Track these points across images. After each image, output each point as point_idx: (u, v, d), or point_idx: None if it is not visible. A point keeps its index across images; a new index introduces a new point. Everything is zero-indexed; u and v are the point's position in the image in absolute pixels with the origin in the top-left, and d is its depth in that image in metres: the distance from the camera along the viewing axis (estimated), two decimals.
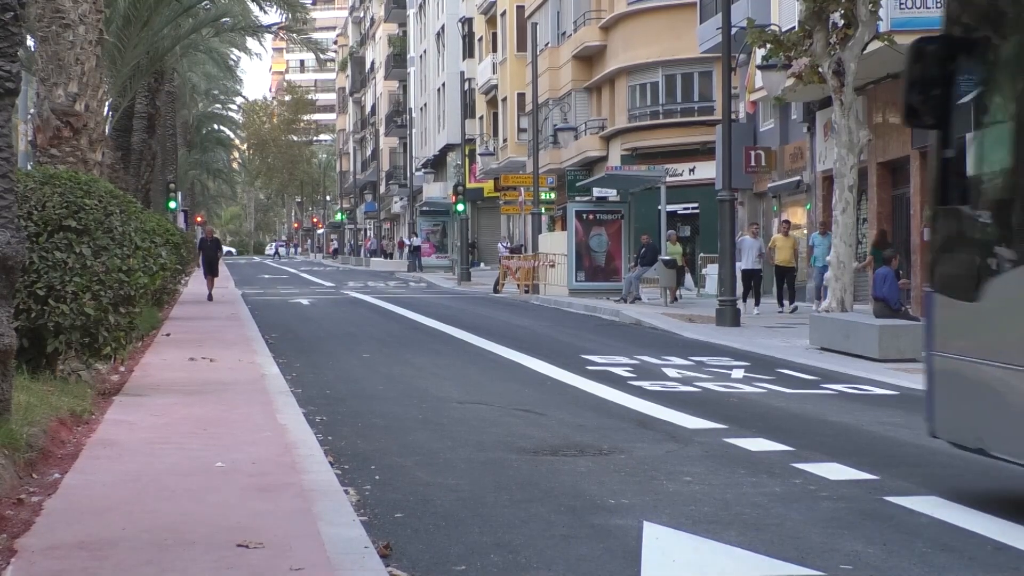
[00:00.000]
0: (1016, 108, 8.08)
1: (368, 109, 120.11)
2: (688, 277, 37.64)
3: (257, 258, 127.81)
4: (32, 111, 23.72)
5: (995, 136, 8.48)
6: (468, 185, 63.57)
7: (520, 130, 64.38)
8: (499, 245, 62.97)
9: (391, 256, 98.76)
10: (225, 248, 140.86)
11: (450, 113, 78.93)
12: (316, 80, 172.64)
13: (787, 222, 33.88)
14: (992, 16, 8.51)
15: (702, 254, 43.51)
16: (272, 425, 11.50)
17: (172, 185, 56.99)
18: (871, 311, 23.25)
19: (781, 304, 31.34)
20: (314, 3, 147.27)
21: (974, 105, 8.64)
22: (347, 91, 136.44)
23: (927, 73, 8.82)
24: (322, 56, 62.87)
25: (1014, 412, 7.91)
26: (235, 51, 66.69)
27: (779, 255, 31.13)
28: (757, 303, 30.89)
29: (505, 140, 67.96)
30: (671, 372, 17.80)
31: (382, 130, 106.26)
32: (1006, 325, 8.04)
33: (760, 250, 31.48)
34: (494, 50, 71.45)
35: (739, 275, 30.06)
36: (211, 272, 38.51)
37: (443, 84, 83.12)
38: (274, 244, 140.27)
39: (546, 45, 58.65)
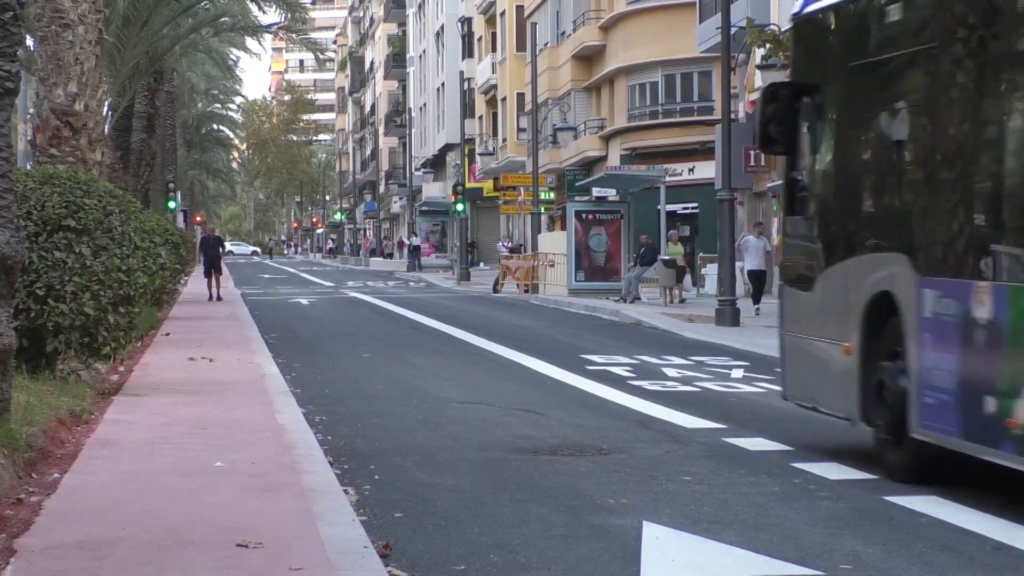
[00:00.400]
0: (834, 140, 10.70)
1: (367, 109, 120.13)
2: (687, 278, 37.55)
3: (256, 258, 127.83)
4: (31, 111, 23.73)
5: (820, 161, 10.89)
6: (468, 185, 63.56)
7: (519, 130, 64.38)
8: (499, 245, 62.97)
9: (391, 256, 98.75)
10: (250, 248, 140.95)
11: (449, 113, 78.91)
12: (315, 80, 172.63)
13: (760, 223, 33.88)
14: (823, 69, 11.02)
15: (701, 254, 43.51)
16: (272, 425, 11.50)
17: (171, 185, 56.99)
18: None
19: None
20: (313, 3, 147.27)
21: (808, 136, 10.99)
22: (346, 91, 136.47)
23: (778, 111, 11.07)
24: (321, 56, 62.93)
25: (832, 378, 10.52)
26: (234, 51, 66.78)
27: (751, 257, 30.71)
28: (756, 302, 30.73)
29: (504, 140, 67.97)
30: (671, 372, 17.79)
31: (381, 130, 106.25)
32: (826, 310, 10.70)
33: (766, 249, 31.18)
34: (493, 50, 71.47)
35: (739, 275, 30.05)
36: (213, 271, 37.97)
37: (442, 84, 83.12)
38: (271, 243, 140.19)
39: (545, 45, 58.64)
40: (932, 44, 9.29)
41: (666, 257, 36.03)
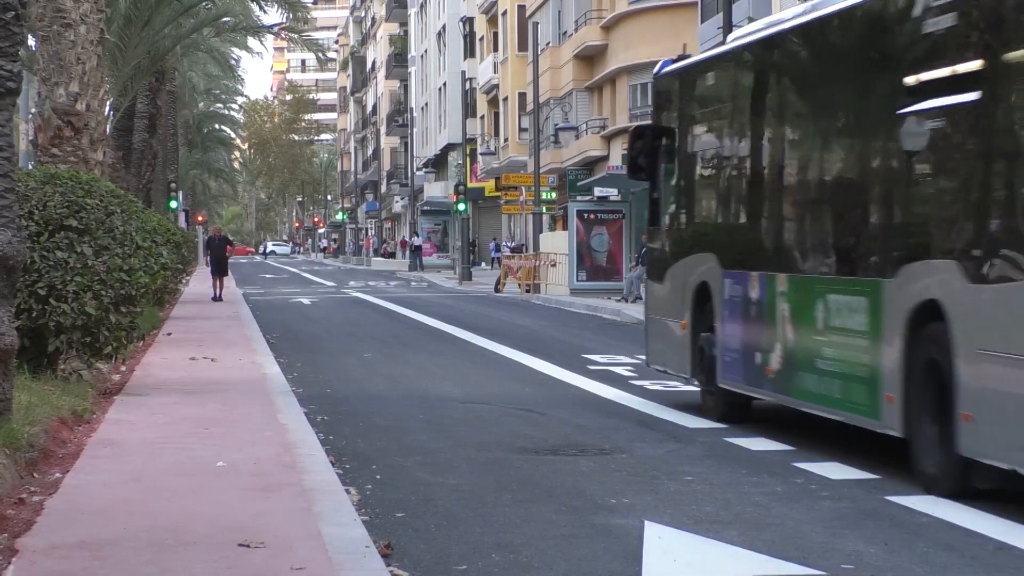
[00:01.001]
0: (676, 171, 14.23)
1: (369, 108, 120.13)
2: None
3: (259, 258, 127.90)
4: (33, 110, 23.73)
5: (668, 187, 14.48)
6: (469, 184, 63.56)
7: (521, 129, 64.38)
8: (502, 245, 62.95)
9: (392, 255, 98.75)
10: (271, 246, 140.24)
11: (451, 112, 78.91)
12: (317, 80, 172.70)
13: None
14: (670, 117, 14.50)
15: None
16: (273, 425, 11.50)
17: (173, 185, 56.99)
18: None
19: None
20: (315, 3, 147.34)
21: (663, 168, 14.44)
22: (348, 90, 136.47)
23: (643, 147, 14.52)
24: (323, 56, 62.86)
25: (675, 347, 14.06)
26: (236, 51, 66.69)
27: None
28: None
29: (506, 139, 67.97)
30: None
31: (383, 129, 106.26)
32: (671, 296, 14.26)
33: None
34: (495, 49, 71.45)
35: None
36: (219, 272, 37.35)
37: (444, 83, 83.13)
38: (266, 243, 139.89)
39: (547, 45, 58.63)
40: (729, 105, 13.27)
41: None
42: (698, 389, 13.63)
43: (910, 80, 10.01)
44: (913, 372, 9.62)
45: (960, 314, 9.05)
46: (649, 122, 15.21)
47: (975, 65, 9.12)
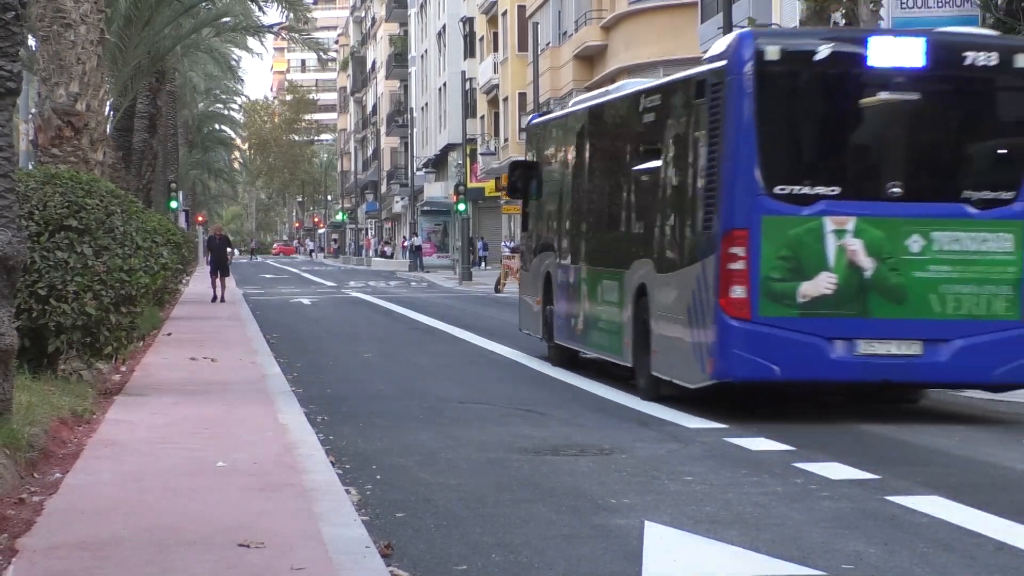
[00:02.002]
0: (538, 194, 19.47)
1: (369, 109, 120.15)
2: None
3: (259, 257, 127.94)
4: (33, 111, 23.73)
5: (533, 205, 19.85)
6: (469, 185, 63.59)
7: (521, 130, 64.32)
8: (503, 245, 62.91)
9: (392, 256, 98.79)
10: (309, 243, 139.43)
11: (451, 113, 78.91)
12: (317, 80, 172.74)
13: None
14: (542, 156, 19.72)
15: None
16: (273, 425, 11.50)
17: (173, 185, 57.00)
18: None
19: None
20: (315, 3, 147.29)
21: (532, 190, 19.65)
22: (348, 91, 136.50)
23: (519, 175, 19.89)
24: (323, 56, 62.91)
25: (534, 317, 19.68)
26: (236, 51, 66.75)
27: None
28: None
29: (506, 140, 67.96)
30: None
31: (383, 130, 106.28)
32: (532, 281, 19.80)
33: None
34: (495, 50, 71.46)
35: None
36: (220, 272, 36.83)
37: (444, 84, 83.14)
38: (252, 242, 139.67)
39: (547, 45, 58.64)
40: (562, 152, 18.80)
41: None
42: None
43: (637, 148, 15.83)
44: (636, 326, 14.99)
45: (653, 291, 14.57)
46: (523, 157, 20.88)
47: (660, 144, 14.77)
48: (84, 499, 8.10)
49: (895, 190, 13.06)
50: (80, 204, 13.58)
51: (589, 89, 57.19)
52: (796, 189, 12.96)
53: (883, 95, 13.35)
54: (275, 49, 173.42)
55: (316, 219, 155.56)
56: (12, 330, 9.64)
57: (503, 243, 64.57)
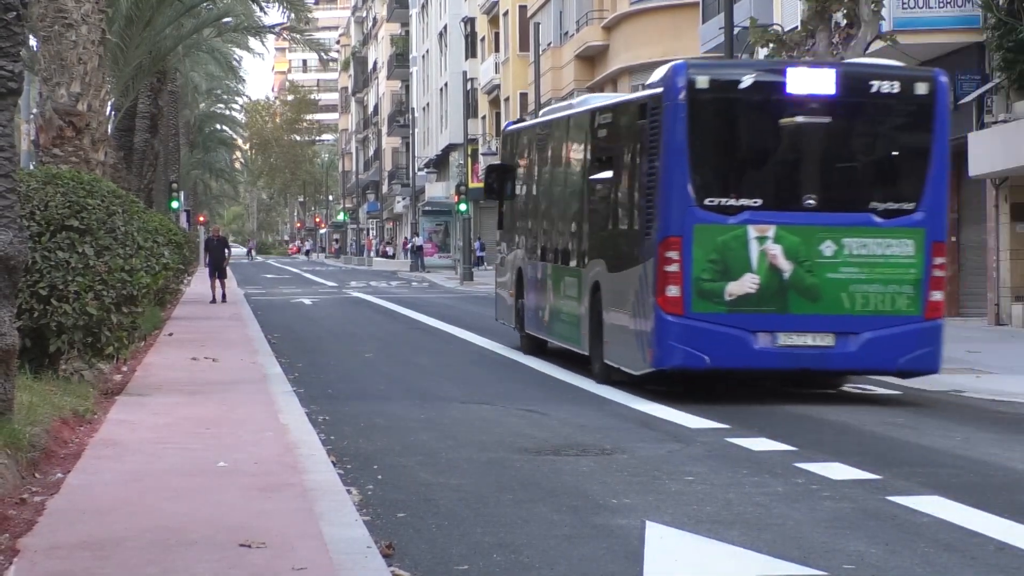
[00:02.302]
0: (512, 195, 21.16)
1: (371, 109, 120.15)
2: None
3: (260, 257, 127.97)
4: (35, 111, 23.74)
5: (508, 204, 21.51)
6: (471, 185, 63.54)
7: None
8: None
9: (394, 256, 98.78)
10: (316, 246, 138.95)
11: (452, 113, 78.90)
12: (319, 80, 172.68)
13: None
14: (514, 161, 21.46)
15: None
16: (274, 425, 11.51)
17: (175, 185, 56.97)
18: None
19: None
20: (316, 3, 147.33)
21: (507, 191, 21.35)
22: (349, 91, 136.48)
23: (495, 177, 21.73)
24: (324, 56, 62.90)
25: (508, 308, 21.48)
26: (237, 51, 66.70)
27: None
28: None
29: None
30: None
31: (384, 130, 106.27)
32: (505, 276, 21.59)
33: None
34: (496, 50, 71.47)
35: None
36: (218, 274, 36.42)
37: (445, 84, 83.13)
38: (251, 243, 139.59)
39: (548, 45, 58.63)
40: (531, 158, 20.52)
41: None
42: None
43: (592, 159, 17.59)
44: (591, 319, 16.78)
45: (605, 288, 16.47)
46: (499, 161, 23.16)
47: (611, 157, 16.82)
48: (85, 499, 8.10)
49: (810, 201, 14.80)
50: (81, 204, 13.58)
51: (591, 89, 57.22)
52: (723, 201, 14.70)
53: (799, 119, 15.08)
54: (276, 49, 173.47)
55: (317, 219, 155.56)
56: (13, 330, 9.65)
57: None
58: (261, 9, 38.64)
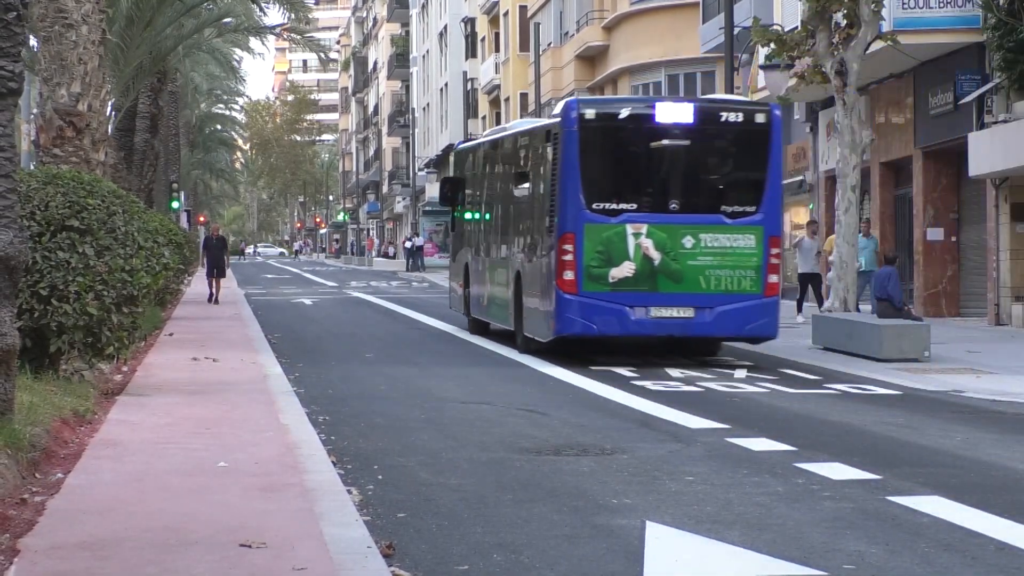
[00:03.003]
0: (462, 203, 25.27)
1: (371, 109, 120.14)
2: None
3: (260, 258, 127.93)
4: (35, 111, 23.74)
5: (460, 211, 25.48)
6: None
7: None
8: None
9: (395, 256, 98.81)
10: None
11: (453, 113, 78.91)
12: (319, 80, 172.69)
13: (814, 222, 31.18)
14: (463, 174, 25.60)
15: None
16: (274, 425, 11.51)
17: (175, 185, 56.99)
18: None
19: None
20: (317, 3, 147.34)
21: (459, 199, 25.23)
22: (350, 91, 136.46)
23: (449, 188, 25.69)
24: (325, 56, 62.78)
25: (459, 298, 25.95)
26: (238, 51, 66.68)
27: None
28: (820, 304, 27.78)
29: None
30: (674, 372, 17.80)
31: (385, 130, 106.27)
32: (457, 270, 26.13)
33: (819, 251, 29.76)
34: (497, 50, 71.46)
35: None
36: (217, 274, 36.12)
37: (446, 84, 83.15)
38: (242, 244, 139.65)
39: (549, 45, 58.62)
40: (476, 172, 24.33)
41: None
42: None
43: (516, 174, 21.70)
44: (515, 301, 20.83)
45: (523, 276, 20.49)
46: (452, 175, 27.49)
47: (528, 172, 20.93)
48: (86, 499, 8.10)
49: (674, 205, 18.99)
50: (82, 204, 13.58)
51: (591, 89, 57.36)
52: (607, 205, 18.84)
53: (665, 142, 19.27)
54: (277, 49, 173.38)
55: (318, 219, 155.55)
56: (14, 330, 9.65)
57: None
58: (261, 10, 38.65)
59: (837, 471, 10.02)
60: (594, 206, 18.72)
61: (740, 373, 17.82)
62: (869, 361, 19.15)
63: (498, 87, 70.44)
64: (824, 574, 6.96)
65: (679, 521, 8.18)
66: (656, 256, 18.66)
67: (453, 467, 10.21)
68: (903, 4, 27.02)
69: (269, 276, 66.45)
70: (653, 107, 19.35)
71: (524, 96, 63.83)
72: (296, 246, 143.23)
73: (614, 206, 18.80)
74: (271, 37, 46.28)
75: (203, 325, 25.76)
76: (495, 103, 72.57)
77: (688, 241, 18.71)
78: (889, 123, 31.71)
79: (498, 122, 72.65)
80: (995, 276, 27.14)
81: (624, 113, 19.54)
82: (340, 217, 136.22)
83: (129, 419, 11.74)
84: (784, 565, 7.12)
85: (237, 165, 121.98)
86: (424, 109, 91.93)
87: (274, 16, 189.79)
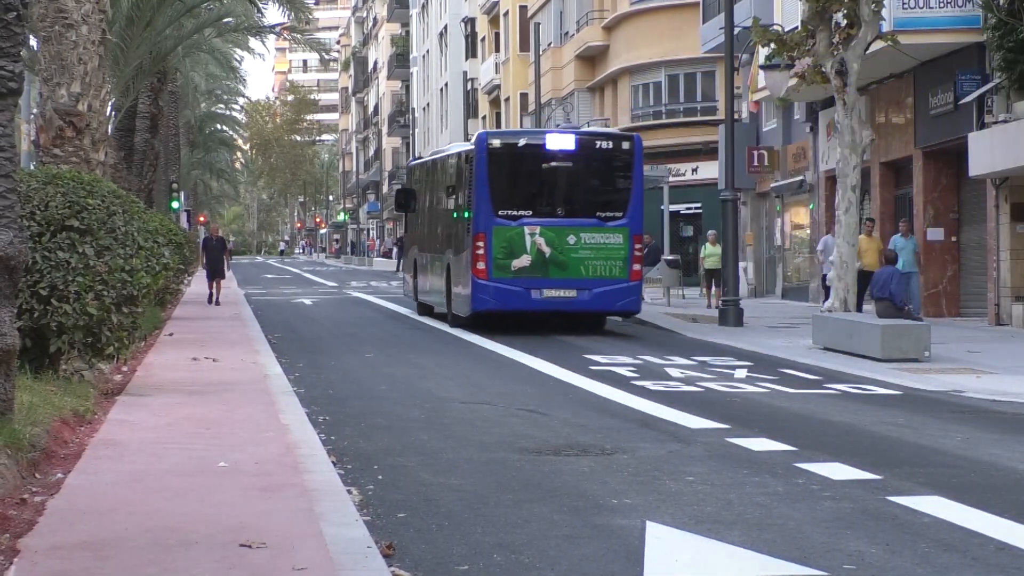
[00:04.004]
0: (413, 210, 31.18)
1: (371, 109, 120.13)
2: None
3: (260, 258, 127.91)
4: (35, 111, 23.74)
5: (411, 216, 32.00)
6: None
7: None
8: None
9: (391, 256, 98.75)
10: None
11: (453, 113, 78.93)
12: (319, 80, 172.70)
13: (871, 220, 29.27)
14: (413, 186, 31.85)
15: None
16: (275, 425, 11.51)
17: (175, 185, 57.00)
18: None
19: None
20: (317, 3, 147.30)
21: (412, 207, 30.95)
22: (350, 91, 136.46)
23: (403, 197, 31.09)
24: (325, 56, 62.86)
25: (408, 285, 32.75)
26: (238, 51, 66.72)
27: (865, 258, 26.42)
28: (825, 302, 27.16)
29: None
30: (674, 372, 17.80)
31: (385, 130, 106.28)
32: (408, 263, 32.66)
33: (820, 250, 29.28)
34: (497, 50, 71.47)
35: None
36: (216, 275, 35.06)
37: (446, 84, 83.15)
38: (230, 243, 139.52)
39: (549, 45, 58.63)
40: (421, 185, 30.70)
41: (669, 257, 35.97)
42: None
43: (446, 187, 27.35)
44: (446, 287, 26.23)
45: (451, 267, 26.16)
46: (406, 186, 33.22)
47: (454, 186, 26.54)
48: (86, 499, 8.10)
49: (560, 212, 24.90)
50: (82, 204, 13.58)
51: (591, 89, 57.50)
52: (510, 212, 24.65)
53: (553, 163, 25.21)
54: (277, 49, 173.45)
55: (318, 219, 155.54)
56: (14, 330, 9.65)
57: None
58: (258, 11, 38.66)
59: (837, 471, 10.01)
60: (500, 212, 24.52)
61: (740, 373, 17.81)
62: (869, 361, 19.15)
63: (498, 87, 70.45)
64: (824, 574, 6.95)
65: (679, 521, 8.18)
66: (547, 250, 24.53)
67: (453, 467, 10.21)
68: (903, 4, 27.02)
69: (269, 276, 66.44)
70: (544, 138, 25.59)
71: (524, 96, 63.83)
72: (281, 246, 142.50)
73: (515, 212, 24.58)
74: (271, 37, 46.33)
75: (203, 325, 25.76)
76: (495, 103, 72.57)
77: (571, 239, 24.54)
78: (889, 123, 31.70)
79: (498, 122, 72.82)
80: (995, 276, 27.13)
81: (522, 142, 25.61)
82: (340, 217, 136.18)
83: (129, 419, 11.74)
84: (784, 565, 7.12)
85: (237, 165, 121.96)
86: (424, 109, 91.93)
87: (274, 16, 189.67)
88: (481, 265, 24.38)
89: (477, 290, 24.46)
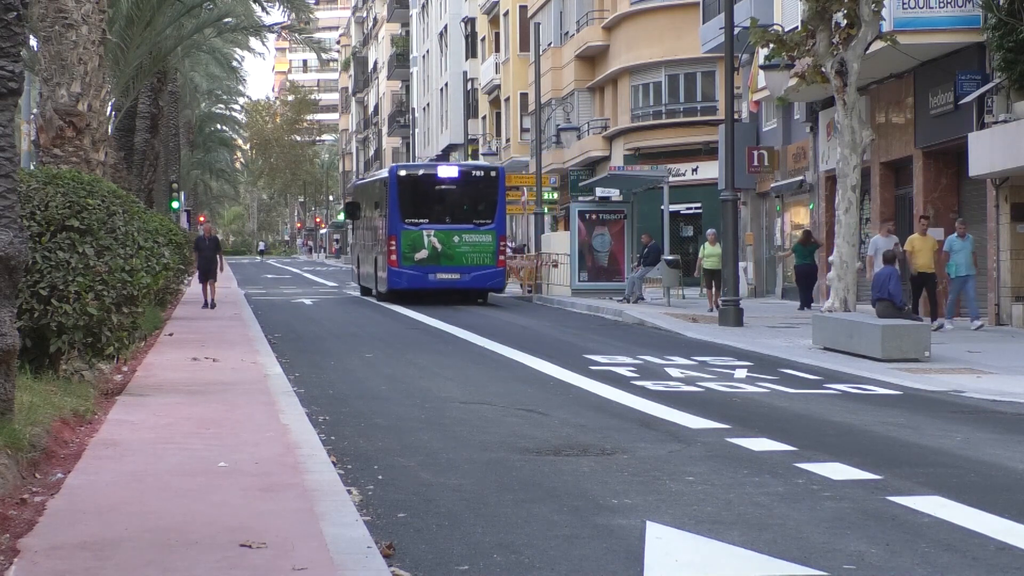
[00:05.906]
0: (358, 219, 44.40)
1: (371, 109, 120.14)
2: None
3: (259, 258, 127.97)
4: (35, 111, 23.74)
5: (356, 223, 45.76)
6: None
7: (523, 130, 64.40)
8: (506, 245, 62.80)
9: None
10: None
11: (453, 113, 78.93)
12: (319, 80, 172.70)
13: (926, 217, 27.70)
14: (356, 201, 45.54)
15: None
16: (275, 425, 11.51)
17: (175, 185, 57.01)
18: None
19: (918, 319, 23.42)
20: (317, 3, 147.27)
21: (358, 215, 43.85)
22: (350, 91, 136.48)
23: (350, 208, 45.19)
24: (325, 56, 62.83)
25: (354, 276, 47.05)
26: (238, 51, 66.73)
27: (919, 259, 25.79)
28: (933, 317, 25.91)
29: (508, 140, 67.99)
30: (674, 372, 17.80)
31: (385, 130, 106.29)
32: (352, 259, 49.74)
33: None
34: (497, 50, 71.47)
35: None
36: (208, 277, 33.44)
37: (446, 84, 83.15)
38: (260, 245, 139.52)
39: (549, 45, 58.63)
40: (362, 202, 44.28)
41: (669, 257, 35.97)
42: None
43: (374, 203, 40.05)
44: (376, 274, 38.68)
45: (378, 260, 38.28)
46: (353, 200, 46.02)
47: (378, 201, 39.10)
48: (86, 499, 8.10)
49: (448, 219, 36.00)
50: (82, 204, 13.58)
51: (591, 89, 57.50)
52: (414, 220, 35.84)
53: (443, 187, 36.49)
54: (277, 49, 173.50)
55: (318, 219, 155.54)
56: (14, 330, 9.65)
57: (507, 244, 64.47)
58: (263, 8, 38.69)
59: (837, 471, 10.02)
60: (406, 221, 35.90)
61: (740, 373, 17.81)
62: (869, 361, 19.15)
63: (498, 87, 70.44)
64: (824, 574, 6.95)
65: (679, 521, 8.18)
66: (439, 247, 35.80)
67: (453, 467, 10.21)
68: (903, 4, 27.02)
69: (269, 276, 66.45)
70: (436, 169, 37.61)
71: (524, 96, 63.83)
72: (260, 246, 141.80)
73: (417, 220, 35.93)
74: (271, 37, 46.42)
75: (203, 325, 25.76)
76: (495, 103, 72.56)
77: (456, 238, 35.91)
78: (889, 123, 31.70)
79: (498, 122, 72.92)
80: (995, 276, 27.13)
81: (421, 171, 37.41)
82: (340, 217, 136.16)
83: (129, 419, 11.74)
84: (784, 565, 7.12)
85: (237, 165, 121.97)
86: (424, 109, 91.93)
87: (275, 15, 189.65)
88: (394, 257, 35.73)
89: (392, 275, 35.83)
